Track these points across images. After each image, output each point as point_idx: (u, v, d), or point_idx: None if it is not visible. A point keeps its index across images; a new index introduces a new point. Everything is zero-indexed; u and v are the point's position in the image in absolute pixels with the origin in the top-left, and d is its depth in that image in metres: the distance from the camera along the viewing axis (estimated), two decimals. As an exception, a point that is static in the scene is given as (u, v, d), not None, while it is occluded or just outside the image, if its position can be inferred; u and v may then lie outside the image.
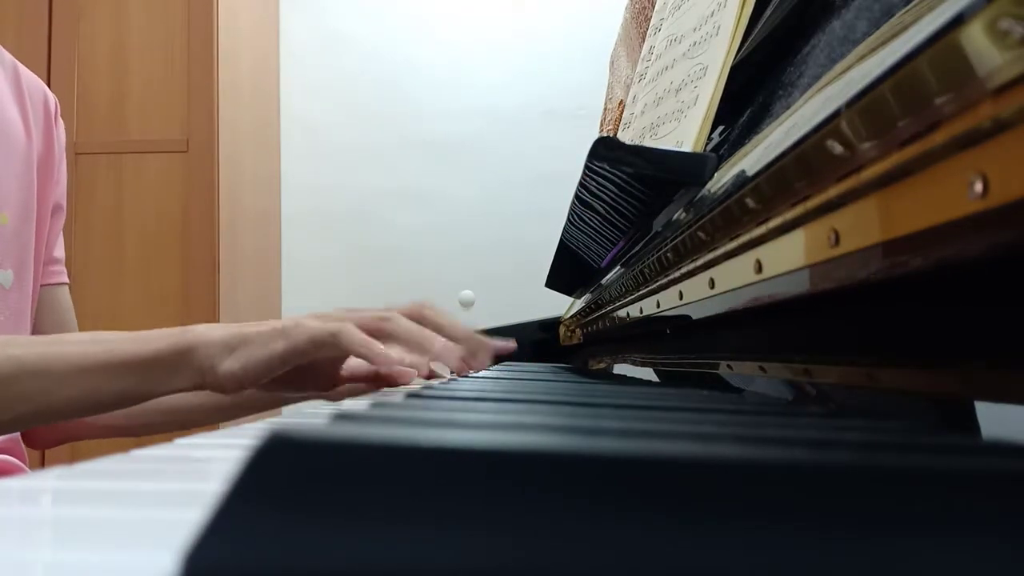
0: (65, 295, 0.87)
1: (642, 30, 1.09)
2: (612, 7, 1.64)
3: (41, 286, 0.82)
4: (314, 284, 2.45)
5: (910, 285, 0.29)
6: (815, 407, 0.36)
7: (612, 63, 1.32)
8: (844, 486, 0.13)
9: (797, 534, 0.12)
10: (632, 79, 0.89)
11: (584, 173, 0.62)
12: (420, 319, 0.65)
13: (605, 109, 1.31)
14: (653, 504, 0.13)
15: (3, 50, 0.77)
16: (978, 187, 0.21)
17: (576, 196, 0.71)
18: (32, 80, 0.80)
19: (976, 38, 0.21)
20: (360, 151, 2.47)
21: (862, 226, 0.28)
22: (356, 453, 0.13)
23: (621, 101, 1.09)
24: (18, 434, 0.75)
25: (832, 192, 0.30)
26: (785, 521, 0.13)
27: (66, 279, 0.87)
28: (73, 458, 0.32)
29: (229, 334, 0.61)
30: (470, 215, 2.42)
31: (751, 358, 0.50)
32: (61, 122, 0.84)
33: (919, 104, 0.23)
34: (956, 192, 0.22)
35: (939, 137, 0.23)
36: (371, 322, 0.62)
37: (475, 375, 0.71)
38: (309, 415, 0.43)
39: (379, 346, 0.59)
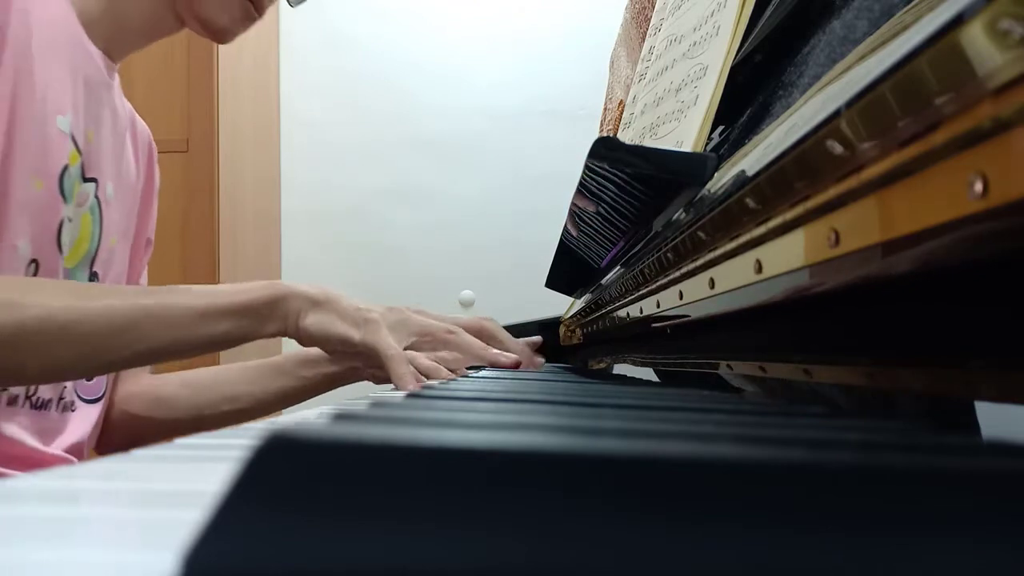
0: None
1: (642, 30, 1.09)
2: (612, 7, 1.63)
3: None
4: (314, 283, 2.45)
5: (910, 285, 0.29)
6: (815, 407, 0.36)
7: (612, 63, 1.32)
8: (844, 486, 0.13)
9: (797, 534, 0.12)
10: (632, 79, 0.89)
11: (584, 173, 0.62)
12: (478, 331, 0.79)
13: (605, 109, 1.31)
14: (653, 504, 0.13)
15: (124, 99, 0.87)
16: (978, 187, 0.21)
17: (576, 196, 0.71)
18: (142, 125, 0.91)
19: (976, 38, 0.21)
20: (360, 151, 2.47)
21: (862, 226, 0.28)
22: (356, 453, 0.13)
23: (621, 101, 1.09)
24: (80, 457, 0.79)
25: (832, 192, 0.30)
26: (785, 521, 0.13)
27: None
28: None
29: (318, 293, 0.70)
30: (470, 215, 2.42)
31: (751, 358, 0.50)
32: (157, 167, 0.95)
33: (919, 104, 0.23)
34: (956, 192, 0.22)
35: (939, 137, 0.23)
36: (439, 333, 0.76)
37: (475, 375, 0.71)
38: (309, 415, 0.43)
39: (408, 384, 0.69)
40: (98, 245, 0.80)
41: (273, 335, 0.70)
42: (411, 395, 0.34)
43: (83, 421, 0.81)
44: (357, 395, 0.73)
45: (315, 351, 0.88)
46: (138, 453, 0.29)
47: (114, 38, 0.79)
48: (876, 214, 0.27)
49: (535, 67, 2.46)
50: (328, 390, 0.93)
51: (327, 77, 2.49)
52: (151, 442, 0.89)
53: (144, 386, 0.93)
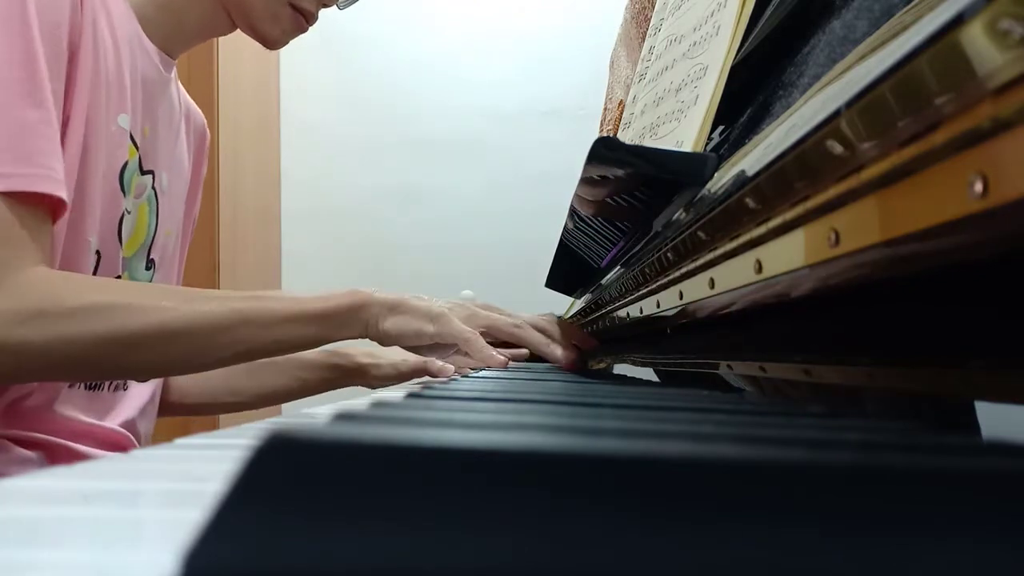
0: None
1: (642, 30, 1.09)
2: (612, 7, 1.63)
3: None
4: (315, 283, 2.45)
5: (910, 285, 0.29)
6: (815, 407, 0.36)
7: (612, 63, 1.32)
8: (844, 486, 0.13)
9: (797, 534, 0.12)
10: (632, 79, 0.89)
11: (584, 173, 0.62)
12: (542, 330, 0.88)
13: (605, 109, 1.31)
14: (653, 504, 0.13)
15: (182, 90, 0.91)
16: (978, 187, 0.21)
17: (576, 195, 0.71)
18: (196, 114, 0.95)
19: (976, 38, 0.21)
20: (361, 150, 2.47)
21: (862, 226, 0.28)
22: (356, 453, 0.13)
23: (621, 101, 1.09)
24: (134, 431, 0.84)
25: (832, 192, 0.30)
26: (785, 521, 0.13)
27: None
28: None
29: (394, 299, 0.77)
30: (470, 214, 2.42)
31: (751, 358, 0.50)
32: (206, 158, 0.99)
33: (919, 104, 0.23)
34: (956, 192, 0.22)
35: (939, 137, 0.23)
36: (506, 327, 0.85)
37: (475, 375, 0.71)
38: (309, 415, 0.43)
39: (496, 359, 0.80)
40: (155, 233, 0.85)
41: (353, 338, 0.76)
42: (411, 395, 0.34)
43: (135, 399, 0.86)
44: (357, 395, 0.74)
45: (315, 356, 0.99)
46: (138, 453, 0.29)
47: (170, 36, 0.82)
48: (876, 214, 0.27)
49: (535, 67, 2.46)
50: (324, 391, 1.02)
51: (327, 77, 2.48)
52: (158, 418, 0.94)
53: None
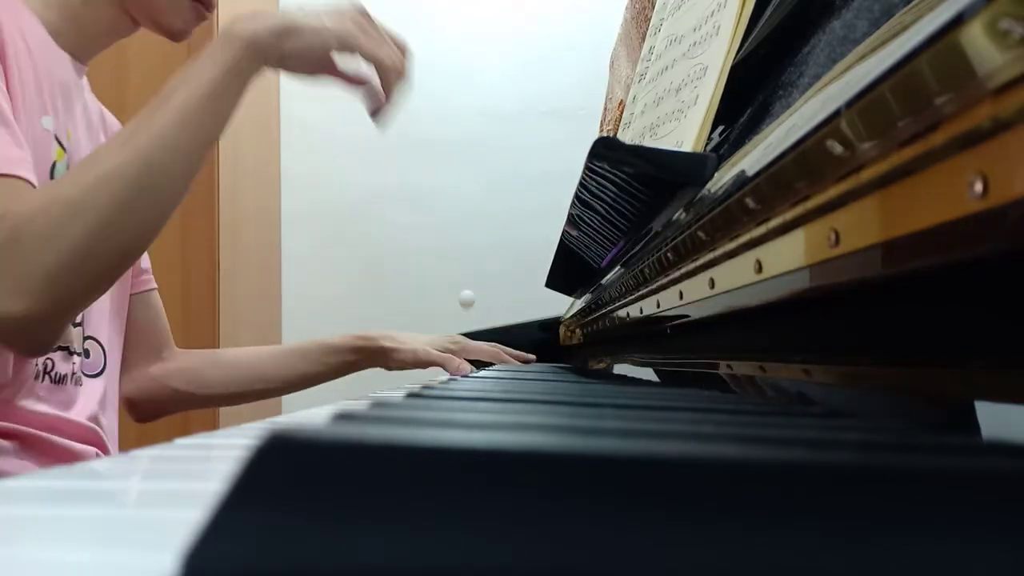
0: (156, 299, 1.04)
1: (642, 30, 1.09)
2: (612, 7, 1.63)
3: (134, 294, 0.99)
4: (314, 283, 2.45)
5: (910, 285, 0.29)
6: (815, 407, 0.36)
7: (612, 63, 1.32)
8: (843, 486, 0.13)
9: (797, 534, 0.12)
10: (632, 79, 0.89)
11: (584, 173, 0.62)
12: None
13: (605, 109, 1.31)
14: (653, 504, 0.13)
15: (93, 96, 0.92)
16: (978, 187, 0.21)
17: (576, 196, 0.71)
18: (111, 118, 0.96)
19: (976, 38, 0.21)
20: (361, 150, 2.47)
21: (862, 226, 0.28)
22: (356, 453, 0.13)
23: (621, 101, 1.09)
24: (98, 426, 0.87)
25: (832, 192, 0.30)
26: (785, 521, 0.13)
27: (154, 285, 1.03)
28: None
29: (282, 24, 0.74)
30: (470, 215, 2.42)
31: (751, 358, 0.50)
32: None
33: (919, 104, 0.23)
34: (956, 192, 0.22)
35: (939, 137, 0.23)
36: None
37: (475, 375, 0.71)
38: (309, 415, 0.43)
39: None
40: None
41: (257, 69, 0.73)
42: (411, 395, 0.34)
43: (92, 394, 0.88)
44: (357, 395, 0.74)
45: (340, 340, 1.07)
46: (138, 453, 0.29)
47: (78, 42, 0.85)
48: (876, 214, 0.27)
49: (535, 67, 2.46)
50: (348, 374, 1.08)
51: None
52: (181, 410, 1.02)
53: (184, 364, 1.04)
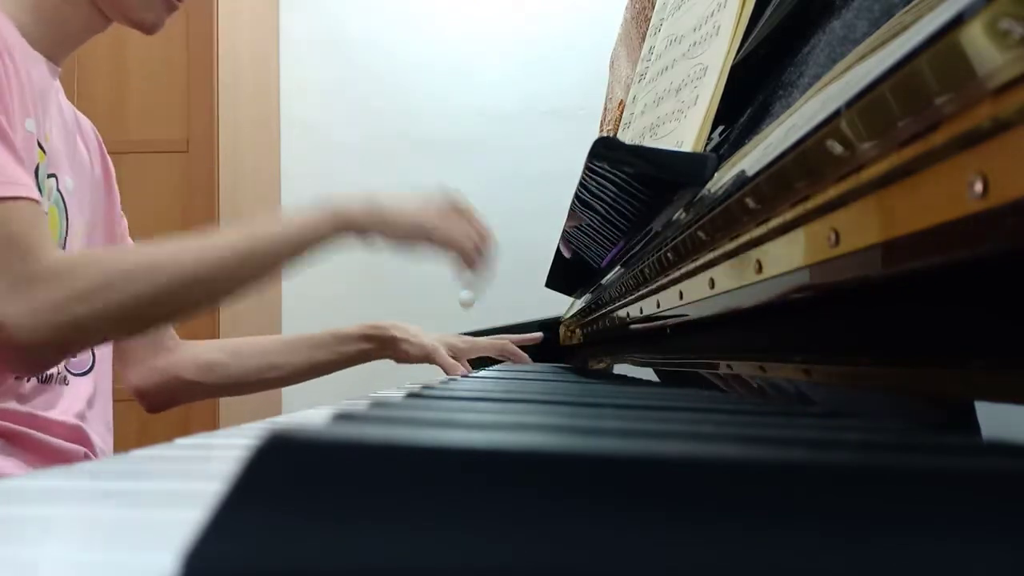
0: None
1: (642, 30, 1.09)
2: (612, 7, 1.63)
3: None
4: (314, 283, 2.45)
5: (910, 285, 0.29)
6: (815, 407, 0.36)
7: (612, 63, 1.32)
8: (843, 486, 0.13)
9: (797, 534, 0.12)
10: (632, 79, 0.89)
11: (584, 173, 0.62)
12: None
13: (605, 109, 1.31)
14: (653, 504, 0.13)
15: (65, 98, 0.93)
16: (978, 187, 0.21)
17: (576, 196, 0.71)
18: (84, 120, 0.99)
19: (976, 38, 0.21)
20: (361, 151, 2.47)
21: (862, 226, 0.28)
22: (356, 453, 0.13)
23: (621, 101, 1.09)
24: (84, 423, 0.88)
25: (832, 192, 0.30)
26: (785, 521, 0.13)
27: None
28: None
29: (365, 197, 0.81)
30: (470, 215, 2.42)
31: (751, 358, 0.50)
32: (107, 155, 1.03)
33: (919, 104, 0.23)
34: (956, 192, 0.22)
35: (939, 137, 0.23)
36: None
37: (475, 375, 0.71)
38: (309, 415, 0.43)
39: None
40: (66, 235, 0.88)
41: (337, 241, 0.80)
42: (411, 395, 0.34)
43: (78, 392, 0.89)
44: (357, 395, 0.74)
45: (352, 329, 1.09)
46: (138, 453, 0.29)
47: (52, 44, 0.85)
48: (876, 214, 0.27)
49: (535, 67, 2.46)
50: (360, 363, 1.10)
51: (327, 77, 2.48)
52: (193, 399, 1.05)
53: (191, 354, 1.05)
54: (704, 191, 0.50)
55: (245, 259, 0.76)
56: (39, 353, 0.71)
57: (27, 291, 0.68)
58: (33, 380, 0.82)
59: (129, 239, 1.04)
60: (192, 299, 0.76)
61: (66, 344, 0.73)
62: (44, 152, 0.82)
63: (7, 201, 0.69)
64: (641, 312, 0.67)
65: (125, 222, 1.05)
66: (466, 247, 0.86)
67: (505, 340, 1.18)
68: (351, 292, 2.42)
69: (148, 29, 0.87)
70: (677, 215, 0.56)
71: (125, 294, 0.71)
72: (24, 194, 0.71)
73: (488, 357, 1.19)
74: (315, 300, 2.40)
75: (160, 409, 1.05)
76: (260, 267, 0.77)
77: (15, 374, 0.79)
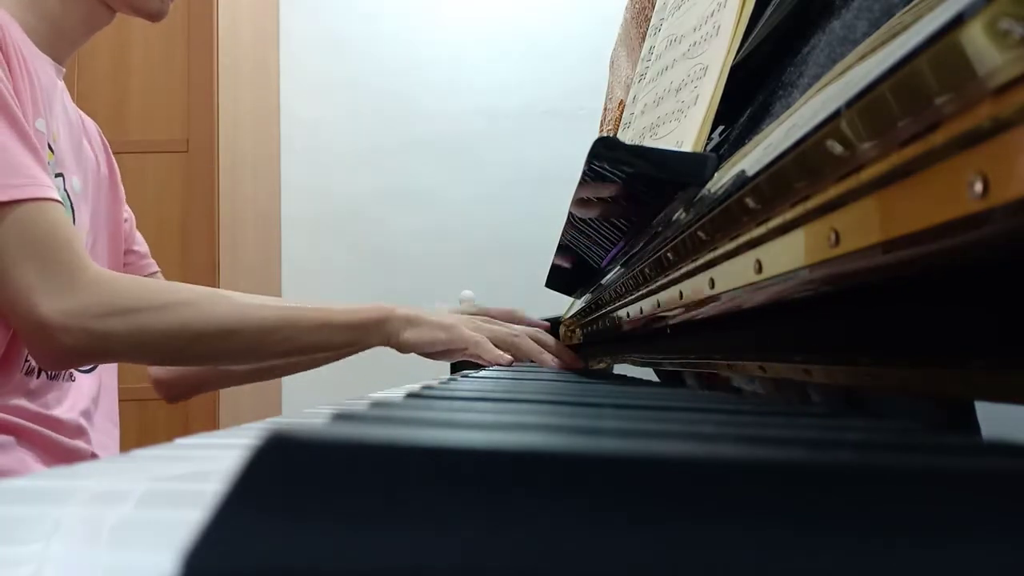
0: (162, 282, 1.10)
1: (642, 30, 1.09)
2: (612, 7, 1.64)
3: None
4: (314, 285, 2.46)
5: (910, 285, 0.29)
6: (815, 407, 0.36)
7: (612, 63, 1.32)
8: (843, 486, 0.13)
9: (797, 534, 0.12)
10: (632, 79, 0.89)
11: (584, 173, 0.62)
12: (537, 340, 0.97)
13: (605, 109, 1.31)
14: (653, 504, 0.13)
15: (71, 100, 0.95)
16: (978, 187, 0.21)
17: (576, 196, 0.71)
18: (88, 120, 1.01)
19: (976, 38, 0.21)
20: (360, 152, 2.47)
21: (862, 226, 0.28)
22: (356, 453, 0.13)
23: (621, 101, 1.09)
24: (88, 421, 0.90)
25: (832, 192, 0.30)
26: (785, 521, 0.13)
27: (157, 268, 1.09)
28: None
29: (412, 313, 0.89)
30: (470, 215, 2.42)
31: (751, 358, 0.50)
32: (112, 154, 1.06)
33: (919, 104, 0.23)
34: (956, 192, 0.22)
35: (939, 137, 0.23)
36: (505, 336, 0.93)
37: (475, 375, 0.71)
38: (309, 415, 0.43)
39: (504, 358, 0.89)
40: None
41: (376, 345, 0.88)
42: (411, 395, 0.34)
43: (84, 389, 0.91)
44: (357, 395, 0.74)
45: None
46: (138, 453, 0.29)
47: (57, 43, 0.86)
48: (876, 214, 0.27)
49: (535, 67, 2.46)
50: (362, 350, 1.13)
51: (327, 78, 2.49)
52: (212, 388, 1.12)
53: None
54: (704, 191, 0.50)
55: (282, 327, 0.80)
56: (64, 353, 0.73)
57: (71, 293, 0.71)
58: (42, 376, 0.83)
59: (138, 232, 1.07)
60: (222, 348, 0.79)
61: (91, 352, 0.76)
62: (52, 152, 0.83)
63: (43, 202, 0.72)
64: (641, 312, 0.67)
65: (133, 217, 1.07)
66: (488, 360, 0.90)
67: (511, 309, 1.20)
68: (351, 292, 2.42)
69: (154, 17, 0.88)
70: (677, 215, 0.56)
71: (162, 324, 0.75)
72: (53, 196, 0.73)
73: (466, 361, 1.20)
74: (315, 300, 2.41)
75: (179, 399, 1.08)
76: (293, 340, 0.81)
77: (30, 364, 0.81)
